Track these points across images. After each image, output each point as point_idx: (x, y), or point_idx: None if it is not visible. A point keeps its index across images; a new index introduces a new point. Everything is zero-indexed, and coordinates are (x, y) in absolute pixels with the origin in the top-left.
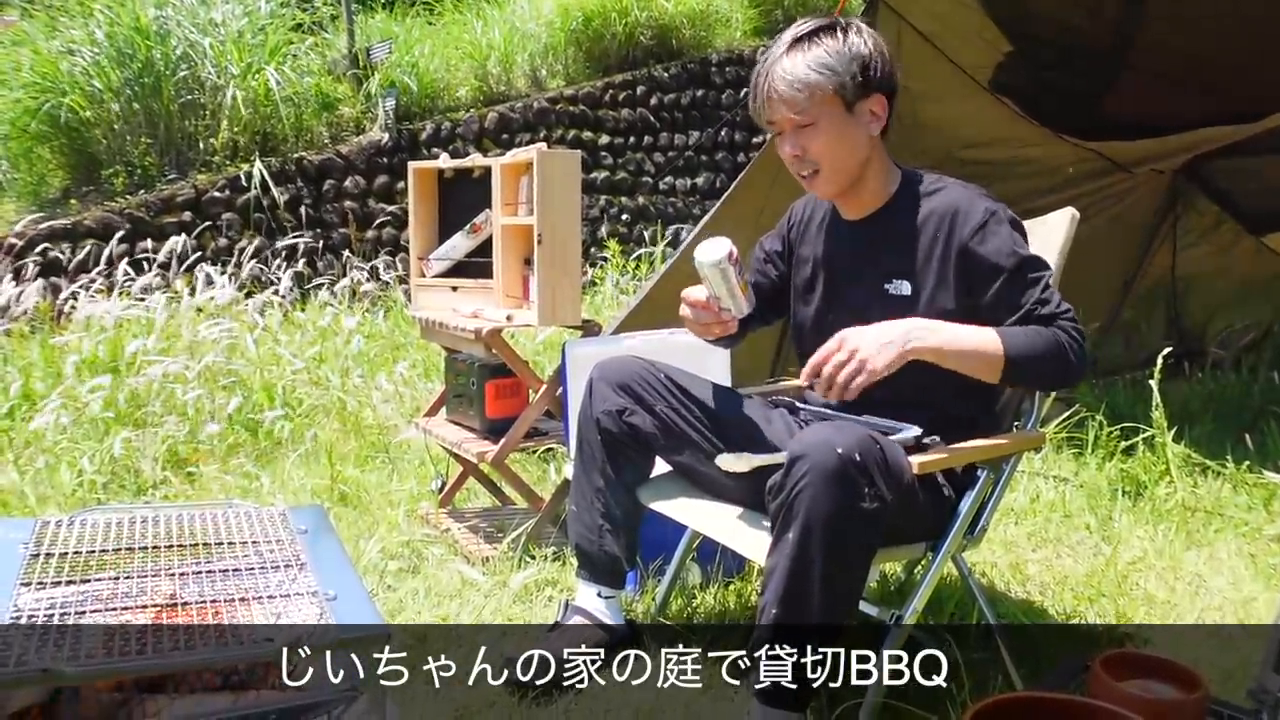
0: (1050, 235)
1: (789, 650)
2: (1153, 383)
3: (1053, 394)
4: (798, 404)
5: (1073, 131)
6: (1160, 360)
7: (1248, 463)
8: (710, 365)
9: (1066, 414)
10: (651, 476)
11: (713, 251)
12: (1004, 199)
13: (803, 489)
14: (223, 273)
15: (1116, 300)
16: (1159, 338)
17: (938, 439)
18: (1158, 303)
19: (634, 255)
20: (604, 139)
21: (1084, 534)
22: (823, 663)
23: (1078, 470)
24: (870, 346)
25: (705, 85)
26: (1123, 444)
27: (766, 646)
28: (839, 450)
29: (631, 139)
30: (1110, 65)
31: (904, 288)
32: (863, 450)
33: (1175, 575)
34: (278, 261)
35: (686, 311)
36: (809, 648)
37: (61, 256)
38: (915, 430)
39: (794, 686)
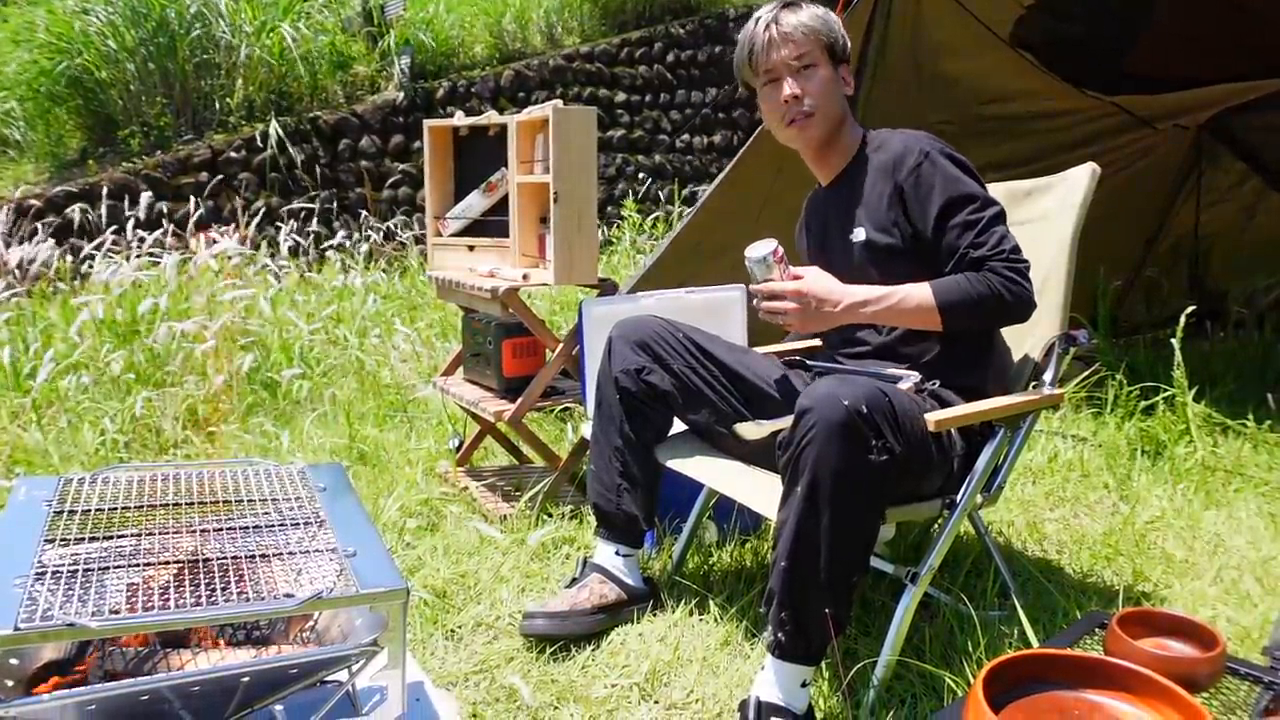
0: (1070, 191)
1: (798, 604)
2: (1174, 342)
3: (1071, 352)
4: (809, 361)
5: (1094, 86)
6: (1182, 319)
7: (1269, 422)
8: (728, 325)
9: (1086, 373)
10: (669, 435)
11: (759, 249)
12: (1025, 154)
13: (810, 442)
14: (238, 232)
15: (1138, 258)
16: (1181, 296)
17: (937, 383)
18: (1180, 261)
19: (650, 214)
20: (620, 96)
21: (1102, 493)
22: (834, 617)
23: (1096, 429)
24: (808, 310)
25: (722, 42)
26: (1142, 403)
27: (777, 601)
28: (845, 403)
29: (648, 96)
30: (1133, 22)
31: (860, 235)
32: (870, 402)
33: (1194, 534)
34: (294, 221)
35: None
36: (819, 602)
37: (80, 218)
38: (916, 376)
39: (805, 640)
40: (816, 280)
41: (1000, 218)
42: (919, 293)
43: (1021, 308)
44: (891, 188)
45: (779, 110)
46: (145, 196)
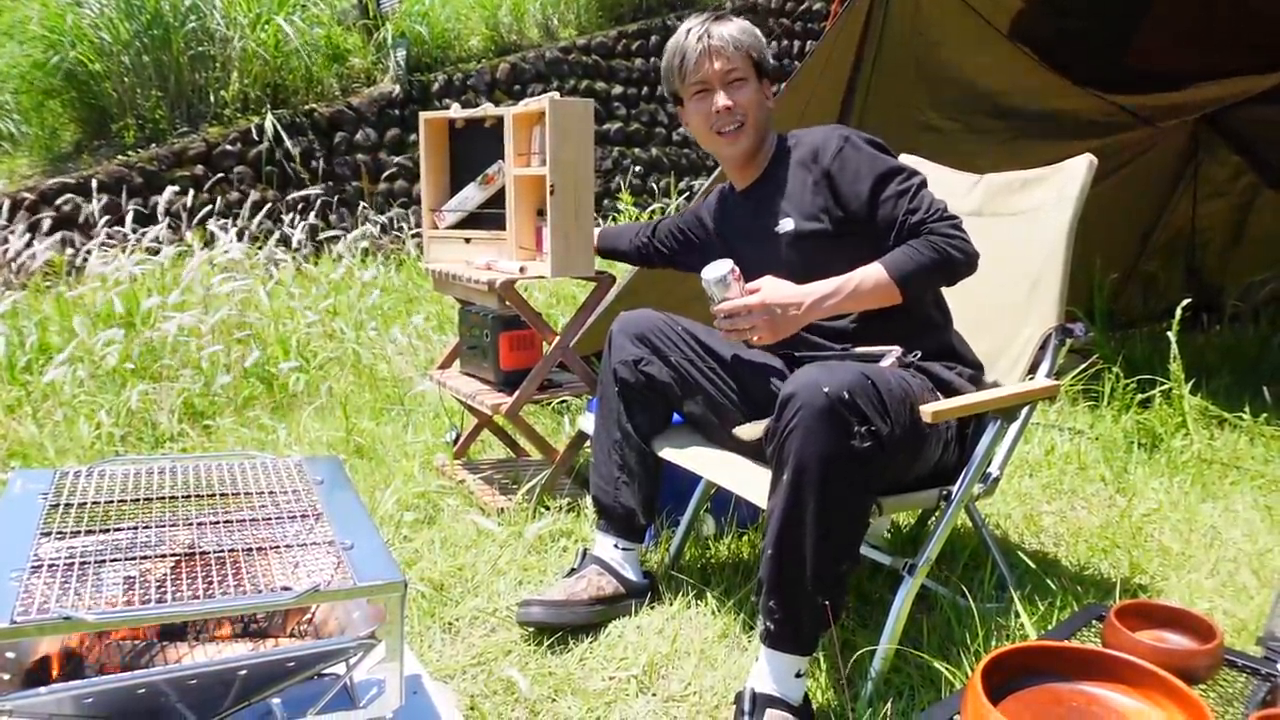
0: (1067, 182)
1: (787, 591)
2: (1170, 335)
3: (1068, 344)
4: (797, 354)
5: (1094, 83)
6: (1178, 312)
7: (1265, 415)
8: None
9: (1083, 366)
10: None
11: (717, 269)
12: (1023, 150)
13: (793, 430)
14: (234, 226)
15: (1135, 251)
16: (1177, 290)
17: (919, 354)
18: (1176, 254)
19: (647, 207)
20: (617, 89)
21: (1099, 486)
22: (825, 605)
23: (1093, 422)
24: (774, 318)
25: None
26: (1139, 396)
27: (766, 589)
28: (826, 390)
29: (645, 89)
30: (1131, 16)
31: (787, 224)
32: (852, 388)
33: (1190, 527)
34: (290, 214)
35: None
36: (807, 590)
37: (74, 211)
38: (897, 350)
39: (794, 629)
40: (775, 288)
41: (925, 184)
42: (873, 273)
43: (968, 261)
44: (817, 175)
45: (709, 120)
46: (169, 190)
